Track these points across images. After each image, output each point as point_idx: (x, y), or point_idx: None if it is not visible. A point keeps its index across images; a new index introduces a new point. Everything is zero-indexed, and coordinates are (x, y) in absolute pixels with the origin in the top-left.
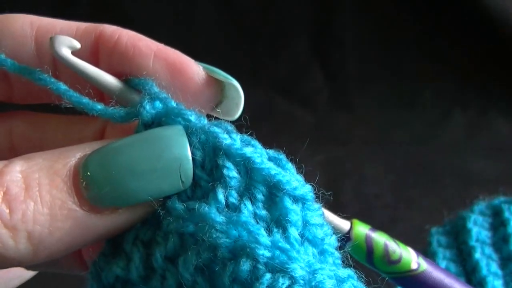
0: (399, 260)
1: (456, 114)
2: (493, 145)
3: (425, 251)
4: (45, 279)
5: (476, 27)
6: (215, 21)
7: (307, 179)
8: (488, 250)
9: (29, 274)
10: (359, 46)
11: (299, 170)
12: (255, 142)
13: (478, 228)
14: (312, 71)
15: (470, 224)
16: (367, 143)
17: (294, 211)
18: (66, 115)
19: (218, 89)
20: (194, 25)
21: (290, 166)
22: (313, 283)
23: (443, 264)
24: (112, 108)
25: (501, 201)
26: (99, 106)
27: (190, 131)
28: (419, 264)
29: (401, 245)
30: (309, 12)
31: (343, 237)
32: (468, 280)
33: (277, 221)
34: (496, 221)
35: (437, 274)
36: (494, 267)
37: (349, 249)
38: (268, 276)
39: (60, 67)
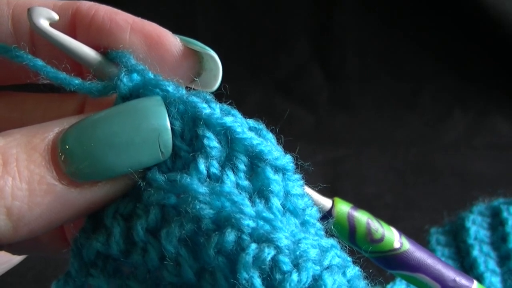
0: (381, 239)
1: (456, 114)
2: (493, 145)
3: None
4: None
5: (476, 27)
6: (215, 21)
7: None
8: (486, 248)
9: (17, 258)
10: (359, 46)
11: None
12: (235, 112)
13: (476, 227)
14: (312, 71)
15: (468, 223)
16: (367, 143)
17: (276, 181)
18: (44, 94)
19: (195, 60)
20: (194, 25)
21: (270, 136)
22: (298, 253)
23: None
24: (89, 82)
25: (500, 202)
26: (77, 81)
27: (169, 101)
28: (401, 244)
29: (384, 224)
30: (309, 12)
31: (325, 215)
32: None
33: (259, 191)
34: (495, 221)
35: (419, 254)
36: (492, 264)
37: (332, 228)
38: (253, 246)
39: (37, 44)
